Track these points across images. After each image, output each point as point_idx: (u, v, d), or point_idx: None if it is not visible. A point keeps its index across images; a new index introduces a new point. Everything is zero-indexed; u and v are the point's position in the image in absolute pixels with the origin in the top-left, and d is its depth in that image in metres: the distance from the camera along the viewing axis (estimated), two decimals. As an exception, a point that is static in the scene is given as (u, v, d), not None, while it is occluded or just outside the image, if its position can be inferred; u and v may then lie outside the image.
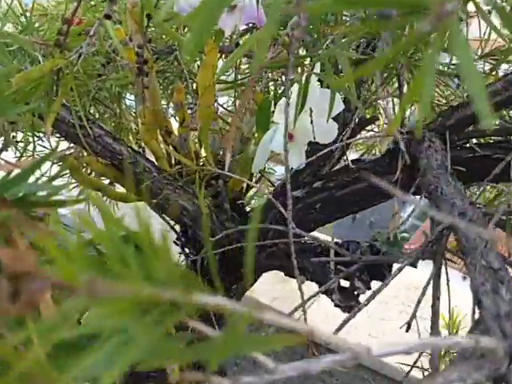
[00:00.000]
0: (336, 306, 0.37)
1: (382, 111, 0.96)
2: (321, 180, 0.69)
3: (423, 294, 0.33)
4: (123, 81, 0.76)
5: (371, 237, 0.68)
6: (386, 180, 0.67)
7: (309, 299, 0.31)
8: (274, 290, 1.04)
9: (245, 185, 0.69)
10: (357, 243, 0.44)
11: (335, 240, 0.47)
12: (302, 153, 0.55)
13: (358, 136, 0.79)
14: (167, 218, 0.70)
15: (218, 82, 0.66)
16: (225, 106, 0.79)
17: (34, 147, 1.01)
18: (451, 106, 0.61)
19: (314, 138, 0.53)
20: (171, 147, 0.63)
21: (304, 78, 0.49)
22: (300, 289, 0.31)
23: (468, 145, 0.63)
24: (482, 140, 0.68)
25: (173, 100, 0.57)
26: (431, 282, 0.40)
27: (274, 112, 0.55)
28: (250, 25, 0.65)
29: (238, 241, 0.59)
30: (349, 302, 0.36)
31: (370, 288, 0.39)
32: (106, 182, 0.68)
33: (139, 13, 0.57)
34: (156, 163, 0.61)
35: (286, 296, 1.06)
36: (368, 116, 0.84)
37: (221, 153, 0.64)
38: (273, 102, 0.56)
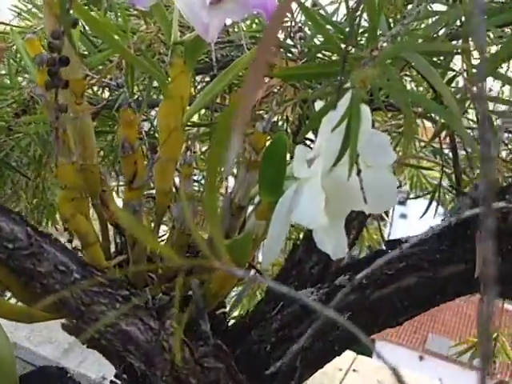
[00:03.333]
0: None
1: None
2: (344, 274, 0.46)
3: None
4: (40, 127, 0.53)
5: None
6: (446, 273, 0.45)
7: None
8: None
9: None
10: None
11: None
12: (340, 230, 0.33)
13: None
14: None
15: (189, 124, 0.44)
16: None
17: None
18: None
19: (365, 201, 0.31)
20: (110, 225, 0.39)
21: (350, 98, 0.28)
22: None
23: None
24: None
25: (117, 136, 0.34)
26: None
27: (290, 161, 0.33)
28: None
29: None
30: None
31: None
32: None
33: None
34: (84, 254, 0.36)
35: None
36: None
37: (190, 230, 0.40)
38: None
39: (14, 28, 0.51)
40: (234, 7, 0.34)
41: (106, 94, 0.70)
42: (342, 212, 0.33)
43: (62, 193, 0.37)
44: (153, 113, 0.70)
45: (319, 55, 0.55)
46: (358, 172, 0.31)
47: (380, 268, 0.45)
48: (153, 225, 0.42)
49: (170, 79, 0.41)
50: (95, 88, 0.66)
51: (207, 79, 0.72)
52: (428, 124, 0.74)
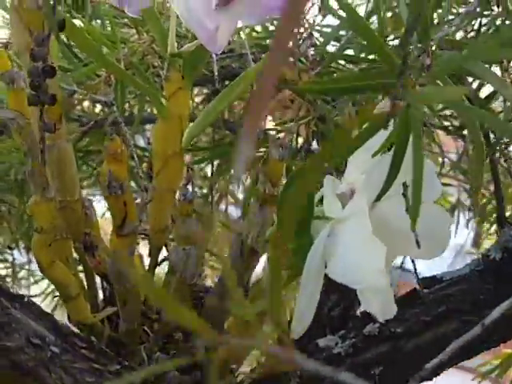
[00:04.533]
0: None
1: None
2: (374, 321, 0.40)
3: None
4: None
5: None
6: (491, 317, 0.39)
7: None
8: None
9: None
10: None
11: None
12: (387, 285, 0.27)
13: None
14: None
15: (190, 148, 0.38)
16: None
17: None
18: None
19: (418, 245, 0.25)
20: (97, 275, 0.33)
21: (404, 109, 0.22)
22: None
23: None
24: None
25: (101, 173, 0.28)
26: None
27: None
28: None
29: None
30: None
31: None
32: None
33: (35, 11, 0.29)
34: (67, 313, 0.30)
35: None
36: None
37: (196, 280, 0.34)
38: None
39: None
40: (248, 10, 0.28)
41: (97, 108, 0.64)
42: (387, 260, 0.27)
43: (37, 237, 0.31)
44: (147, 126, 0.64)
45: (333, 65, 0.49)
46: (407, 209, 0.26)
47: (416, 314, 0.39)
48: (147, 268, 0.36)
49: (166, 97, 0.35)
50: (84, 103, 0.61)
51: (205, 90, 0.66)
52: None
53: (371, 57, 0.44)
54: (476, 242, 0.73)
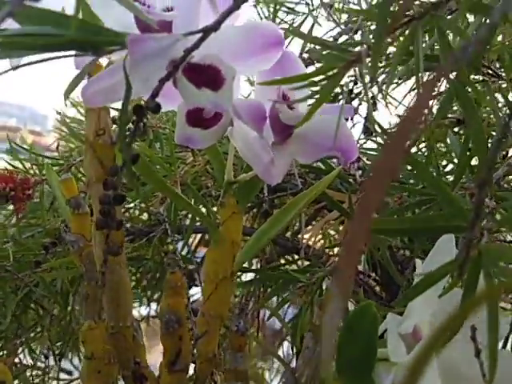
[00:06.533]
0: None
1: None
2: None
3: None
4: (72, 272, 0.48)
5: None
6: None
7: None
8: None
9: None
10: None
11: None
12: None
13: None
14: None
15: (241, 270, 0.38)
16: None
17: None
18: None
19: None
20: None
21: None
22: None
23: None
24: None
25: (160, 308, 0.28)
26: None
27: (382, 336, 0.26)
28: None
29: None
30: None
31: None
32: None
33: (108, 146, 0.32)
34: None
35: None
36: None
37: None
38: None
39: (47, 160, 0.49)
40: (304, 148, 0.29)
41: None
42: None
43: (87, 364, 0.31)
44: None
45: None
46: (477, 353, 0.24)
47: None
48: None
49: (220, 221, 0.36)
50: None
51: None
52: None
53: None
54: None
